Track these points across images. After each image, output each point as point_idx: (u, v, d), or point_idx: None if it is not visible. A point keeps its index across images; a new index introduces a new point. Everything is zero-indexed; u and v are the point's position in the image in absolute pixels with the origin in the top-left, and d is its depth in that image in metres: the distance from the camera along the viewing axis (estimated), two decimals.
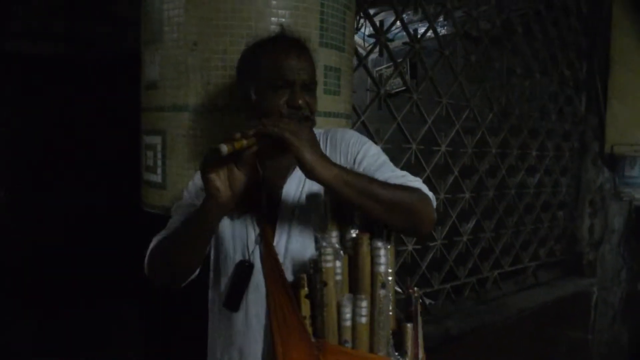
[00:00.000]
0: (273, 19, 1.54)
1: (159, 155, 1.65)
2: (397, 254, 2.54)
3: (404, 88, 3.45)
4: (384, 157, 1.29)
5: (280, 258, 1.25)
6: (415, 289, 1.28)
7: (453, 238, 2.85)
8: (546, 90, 3.41)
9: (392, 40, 2.34)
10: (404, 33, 2.47)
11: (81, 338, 3.29)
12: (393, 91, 2.82)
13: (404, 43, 2.46)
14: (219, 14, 1.53)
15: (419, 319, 1.26)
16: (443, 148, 2.65)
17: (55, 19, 4.05)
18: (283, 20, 1.55)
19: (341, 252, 1.15)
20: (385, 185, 1.14)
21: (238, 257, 1.30)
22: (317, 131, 1.35)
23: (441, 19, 3.10)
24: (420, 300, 1.29)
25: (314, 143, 1.11)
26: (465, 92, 2.77)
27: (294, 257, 1.25)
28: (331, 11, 1.65)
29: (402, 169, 1.28)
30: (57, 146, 4.12)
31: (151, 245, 1.31)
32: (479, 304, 3.05)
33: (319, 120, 1.61)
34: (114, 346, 3.20)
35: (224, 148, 1.02)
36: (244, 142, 1.06)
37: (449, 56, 2.64)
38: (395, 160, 2.26)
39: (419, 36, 2.47)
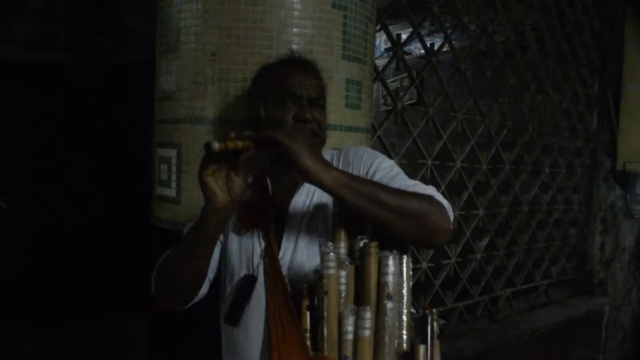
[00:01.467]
0: (295, 29, 1.49)
1: (174, 169, 1.59)
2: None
3: (412, 102, 3.43)
4: (397, 170, 1.24)
5: (285, 270, 1.21)
6: (433, 310, 1.20)
7: (467, 256, 2.78)
8: (559, 106, 3.36)
9: (408, 53, 2.28)
10: (413, 47, 2.42)
11: (82, 350, 3.22)
12: (405, 104, 2.77)
13: (420, 57, 2.42)
14: (239, 23, 1.48)
15: (436, 341, 1.19)
16: (458, 164, 2.60)
17: (59, 28, 4.02)
18: (305, 30, 1.50)
19: (347, 262, 1.08)
20: (391, 190, 1.08)
21: (243, 272, 1.26)
22: (332, 152, 1.32)
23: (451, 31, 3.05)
24: (438, 321, 1.21)
25: (312, 147, 1.07)
26: (480, 107, 2.72)
27: (300, 269, 1.21)
28: (354, 23, 1.60)
29: None
30: (60, 156, 4.07)
31: (158, 262, 1.27)
32: (492, 323, 2.98)
33: (340, 135, 1.57)
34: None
35: (216, 144, 0.96)
36: (239, 143, 1.00)
37: (465, 70, 2.59)
38: (410, 175, 2.20)
39: (433, 49, 2.42)
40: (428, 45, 2.40)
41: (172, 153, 1.60)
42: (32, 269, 3.78)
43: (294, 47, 1.48)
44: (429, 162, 2.44)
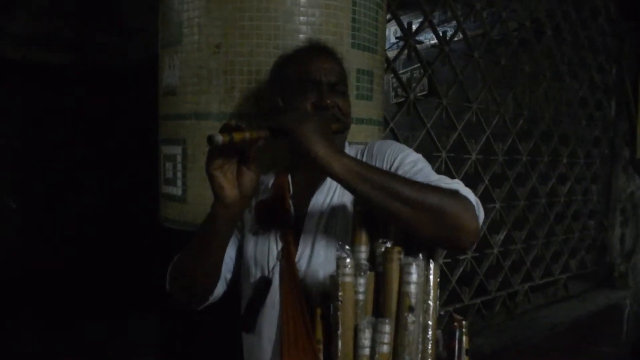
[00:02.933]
0: (302, 18, 1.43)
1: (179, 167, 1.54)
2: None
3: (425, 93, 3.34)
4: (422, 164, 1.15)
5: (301, 274, 1.14)
6: (464, 322, 1.12)
7: (484, 250, 2.71)
8: (576, 94, 3.26)
9: (420, 42, 2.21)
10: (423, 37, 2.35)
11: (91, 350, 3.19)
12: (418, 95, 2.69)
13: (433, 45, 2.34)
14: (244, 13, 1.41)
15: (465, 358, 1.10)
16: (473, 156, 2.52)
17: (64, 27, 3.98)
18: (313, 19, 1.43)
19: (366, 267, 0.99)
20: (409, 182, 0.98)
21: (258, 274, 1.20)
22: (357, 146, 1.25)
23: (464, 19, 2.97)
24: (467, 334, 1.12)
25: (324, 133, 0.98)
26: (495, 96, 2.63)
27: (317, 273, 1.13)
28: (363, 10, 1.53)
29: None
30: (67, 155, 4.05)
31: (173, 260, 1.21)
32: (510, 319, 2.91)
33: (351, 127, 1.50)
34: None
35: (219, 138, 0.88)
36: (246, 134, 0.92)
37: (479, 59, 2.51)
38: None
39: (446, 38, 2.35)
40: (440, 34, 2.32)
41: (177, 150, 1.54)
42: (42, 268, 3.76)
43: (302, 36, 1.41)
44: (444, 154, 2.36)
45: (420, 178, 1.05)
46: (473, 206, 0.99)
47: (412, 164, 1.12)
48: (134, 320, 3.09)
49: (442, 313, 2.48)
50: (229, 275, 1.27)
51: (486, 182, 2.63)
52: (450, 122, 2.42)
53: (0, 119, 3.92)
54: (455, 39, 2.46)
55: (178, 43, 1.52)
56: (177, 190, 1.54)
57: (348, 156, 0.98)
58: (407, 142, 2.20)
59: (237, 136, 0.91)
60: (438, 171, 2.28)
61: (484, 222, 2.62)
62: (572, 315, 3.17)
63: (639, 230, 3.79)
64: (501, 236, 2.78)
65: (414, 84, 2.27)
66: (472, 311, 2.66)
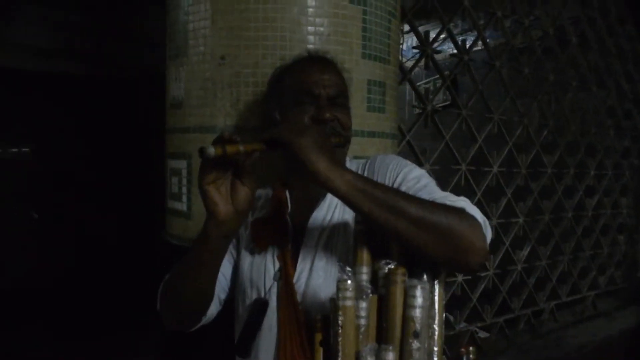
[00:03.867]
0: (310, 28, 1.37)
1: (184, 182, 1.49)
2: (445, 285, 2.31)
3: (447, 103, 3.26)
4: (426, 180, 1.08)
5: (300, 297, 1.08)
6: (470, 348, 1.04)
7: (506, 267, 2.60)
8: (603, 104, 3.14)
9: (438, 52, 2.13)
10: (446, 46, 2.27)
11: None
12: (438, 106, 2.62)
13: (452, 55, 2.26)
14: (250, 24, 1.37)
15: None
16: (495, 169, 2.42)
17: (82, 40, 4.02)
18: (321, 29, 1.38)
19: (369, 290, 0.92)
20: (414, 199, 0.92)
21: (254, 295, 1.14)
22: (359, 161, 1.19)
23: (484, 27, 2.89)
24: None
25: (324, 146, 0.92)
26: (518, 106, 2.54)
27: (316, 295, 1.07)
28: (374, 19, 1.47)
29: (450, 192, 1.06)
30: (85, 166, 4.07)
31: (164, 279, 1.16)
32: (535, 338, 2.78)
33: (361, 141, 1.44)
34: None
35: (211, 150, 0.83)
36: (240, 147, 0.86)
37: (500, 68, 2.42)
38: (443, 182, 2.03)
39: (466, 47, 2.27)
40: (459, 43, 2.25)
41: (182, 164, 1.49)
42: (60, 279, 3.77)
43: (309, 46, 1.36)
44: (464, 167, 2.27)
45: (424, 195, 0.99)
46: (480, 225, 0.93)
47: (416, 179, 1.06)
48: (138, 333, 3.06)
49: (461, 326, 2.38)
50: (223, 295, 1.21)
51: (509, 195, 2.53)
52: (470, 134, 2.33)
53: (21, 130, 3.96)
54: (477, 48, 2.38)
55: (184, 55, 1.48)
56: (182, 206, 1.50)
57: (350, 171, 0.91)
58: (424, 154, 2.13)
59: (230, 149, 0.85)
60: (457, 184, 2.23)
61: (506, 238, 2.54)
62: (600, 335, 3.03)
63: None
64: (525, 252, 2.68)
65: (432, 95, 2.18)
66: (494, 330, 2.56)
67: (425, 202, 0.92)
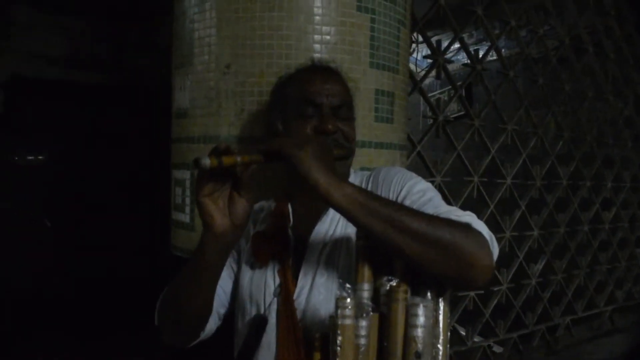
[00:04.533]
0: (316, 36, 1.34)
1: (187, 192, 1.46)
2: (458, 299, 2.26)
3: (461, 113, 3.21)
4: (431, 194, 1.04)
5: (300, 314, 1.04)
6: None
7: (520, 281, 2.54)
8: (620, 114, 3.07)
9: (451, 62, 2.10)
10: (459, 56, 2.23)
11: None
12: (451, 117, 2.58)
13: (464, 64, 2.22)
14: (255, 32, 1.34)
15: None
16: (509, 181, 2.37)
17: (103, 50, 4.06)
18: (328, 37, 1.35)
19: (369, 308, 0.88)
20: (418, 214, 0.88)
21: (254, 311, 1.10)
22: (363, 173, 1.15)
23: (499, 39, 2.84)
24: None
25: (325, 158, 0.89)
26: (532, 117, 2.49)
27: (317, 312, 1.03)
28: (383, 27, 1.44)
29: (462, 204, 1.02)
30: (104, 177, 4.08)
31: (162, 293, 1.12)
32: (550, 354, 2.71)
33: (369, 152, 1.40)
34: None
35: (206, 162, 0.79)
36: (237, 158, 0.83)
37: (514, 78, 2.38)
38: (455, 194, 1.98)
39: (479, 57, 2.23)
40: (472, 53, 2.21)
41: (186, 175, 1.47)
42: (73, 288, 3.76)
43: (316, 55, 1.33)
44: (476, 179, 2.22)
45: (429, 209, 0.95)
46: (487, 241, 0.89)
47: (421, 193, 1.01)
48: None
49: (474, 341, 2.32)
50: (222, 310, 1.18)
51: (523, 208, 2.47)
52: (483, 144, 2.28)
53: (37, 138, 3.99)
54: (491, 58, 2.33)
55: (189, 64, 1.46)
56: (185, 217, 1.47)
57: (351, 185, 0.88)
58: (435, 165, 2.09)
59: (226, 160, 0.82)
60: (470, 196, 2.18)
61: (520, 252, 2.48)
62: (618, 351, 2.94)
63: None
64: (540, 266, 2.61)
65: (444, 104, 2.15)
66: (508, 346, 2.49)
67: (430, 216, 0.88)
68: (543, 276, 2.65)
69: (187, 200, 1.46)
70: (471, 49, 2.23)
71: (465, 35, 2.17)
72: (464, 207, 1.03)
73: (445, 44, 2.17)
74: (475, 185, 2.23)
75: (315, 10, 1.34)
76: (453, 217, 0.90)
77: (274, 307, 1.06)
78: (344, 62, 1.32)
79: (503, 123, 2.36)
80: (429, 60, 2.13)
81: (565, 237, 2.75)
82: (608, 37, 2.92)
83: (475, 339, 2.36)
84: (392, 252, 0.89)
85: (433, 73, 2.14)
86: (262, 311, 1.07)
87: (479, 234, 0.88)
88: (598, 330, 3.08)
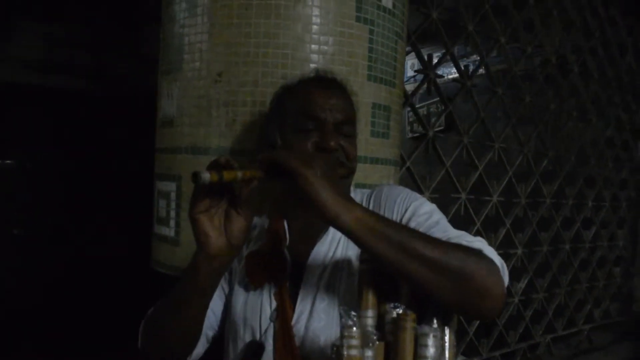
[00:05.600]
0: (314, 46, 1.29)
1: (173, 205, 1.39)
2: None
3: (441, 128, 3.19)
4: (437, 217, 0.99)
5: (299, 341, 0.98)
6: None
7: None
8: (602, 134, 3.10)
9: (441, 76, 2.07)
10: (441, 71, 2.20)
11: None
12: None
13: (454, 80, 2.20)
14: (250, 40, 1.28)
15: None
16: (495, 198, 2.35)
17: (83, 56, 3.95)
18: (325, 47, 1.30)
19: (375, 336, 0.83)
20: (430, 239, 0.84)
21: (248, 337, 1.03)
22: (362, 191, 1.10)
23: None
24: None
25: (333, 177, 0.84)
26: (519, 135, 2.48)
27: (316, 339, 0.97)
28: (381, 40, 1.39)
29: (449, 221, 0.98)
30: (79, 185, 3.95)
31: (147, 314, 1.05)
32: None
33: (364, 168, 1.35)
34: None
35: (206, 175, 0.73)
36: (238, 173, 0.77)
37: (502, 95, 2.37)
38: (442, 211, 1.94)
39: (468, 72, 2.21)
40: (462, 68, 2.19)
41: (171, 187, 1.39)
42: (45, 300, 3.61)
43: (312, 65, 1.27)
44: (463, 196, 2.19)
45: (437, 233, 0.90)
46: (499, 269, 0.85)
47: (427, 215, 0.97)
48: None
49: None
50: (211, 333, 1.10)
51: (508, 226, 2.45)
52: (470, 161, 2.26)
53: (15, 143, 3.84)
54: (478, 72, 2.32)
55: (178, 70, 1.39)
56: (169, 231, 1.39)
57: (361, 207, 0.82)
58: (424, 182, 2.05)
59: (227, 175, 0.76)
60: (457, 213, 2.15)
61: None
62: None
63: None
64: (522, 284, 2.59)
65: (432, 120, 2.11)
66: None
67: (442, 243, 0.84)
68: (525, 294, 2.63)
69: (172, 214, 1.38)
70: (460, 64, 2.21)
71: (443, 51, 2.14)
72: (451, 225, 0.99)
73: (434, 59, 2.14)
74: (463, 202, 2.20)
75: (314, 19, 1.28)
76: (464, 243, 0.85)
77: (271, 332, 0.99)
78: (341, 73, 1.27)
79: (490, 140, 2.34)
80: (410, 74, 2.10)
81: (548, 256, 2.75)
82: (593, 58, 2.95)
83: (459, 359, 2.32)
84: (402, 279, 0.84)
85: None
86: (257, 337, 1.00)
87: (491, 261, 0.84)
88: (577, 349, 3.08)
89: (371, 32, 1.36)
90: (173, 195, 1.38)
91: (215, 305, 1.08)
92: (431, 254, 0.80)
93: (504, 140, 2.41)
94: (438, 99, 2.19)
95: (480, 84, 2.40)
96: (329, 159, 0.95)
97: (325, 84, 1.05)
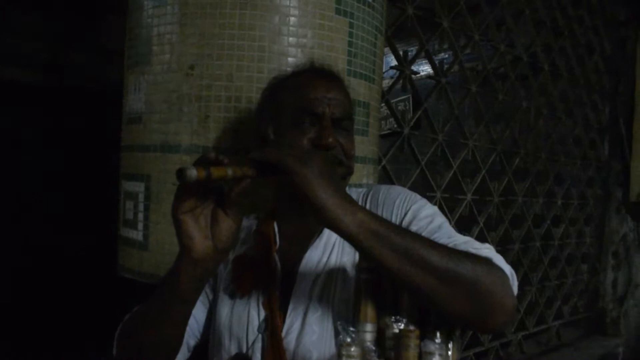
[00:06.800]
0: (291, 39, 1.23)
1: (141, 207, 1.30)
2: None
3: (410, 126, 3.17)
4: (440, 220, 0.94)
5: (289, 355, 0.91)
6: None
7: None
8: (571, 133, 3.13)
9: (416, 73, 2.04)
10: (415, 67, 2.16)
11: None
12: (386, 130, 2.51)
13: (429, 77, 2.17)
14: (224, 31, 1.21)
15: None
16: (469, 197, 2.33)
17: (40, 48, 3.78)
18: (304, 40, 1.24)
19: (374, 353, 0.78)
20: (437, 246, 0.78)
21: (234, 349, 0.96)
22: (358, 190, 1.04)
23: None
24: None
25: (332, 177, 0.78)
26: (492, 133, 2.47)
27: (309, 354, 0.91)
28: (361, 34, 1.34)
29: None
30: (35, 180, 3.78)
31: (123, 321, 0.97)
32: None
33: None
34: None
35: (192, 173, 0.67)
36: (228, 170, 0.71)
37: (475, 93, 2.35)
38: None
39: (443, 69, 2.18)
40: (437, 65, 2.16)
41: (139, 187, 1.31)
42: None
43: (290, 59, 1.21)
44: (438, 194, 2.17)
45: (442, 238, 0.85)
46: (509, 279, 0.80)
47: (429, 219, 0.92)
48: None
49: None
50: (192, 342, 1.03)
51: (481, 224, 2.44)
52: (445, 160, 2.23)
53: None
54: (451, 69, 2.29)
55: (146, 63, 1.31)
56: (137, 235, 1.31)
57: (363, 209, 0.76)
58: (399, 180, 2.01)
59: (216, 172, 0.69)
60: None
61: None
62: None
63: (631, 274, 3.65)
64: None
65: (409, 116, 2.08)
66: None
67: (449, 249, 0.78)
68: None
69: (140, 216, 1.30)
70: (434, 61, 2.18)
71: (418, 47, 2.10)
72: None
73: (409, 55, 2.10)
74: (438, 201, 2.17)
75: (292, 10, 1.22)
76: (472, 250, 0.80)
77: (259, 345, 0.92)
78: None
79: (464, 138, 2.32)
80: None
81: (520, 254, 2.75)
82: (562, 57, 2.97)
83: None
84: (407, 289, 0.78)
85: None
86: (244, 349, 0.93)
87: (502, 271, 0.79)
88: (546, 346, 3.10)
89: (351, 25, 1.31)
90: (141, 196, 1.30)
91: (198, 312, 1.01)
92: (439, 262, 0.75)
93: (477, 139, 2.40)
94: (406, 96, 2.16)
95: (452, 81, 2.38)
96: (327, 157, 0.88)
97: (322, 76, 0.98)
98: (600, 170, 3.48)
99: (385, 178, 1.98)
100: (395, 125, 2.07)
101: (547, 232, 2.99)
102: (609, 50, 3.43)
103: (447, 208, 2.22)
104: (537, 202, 2.85)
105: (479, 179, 2.40)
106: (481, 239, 2.45)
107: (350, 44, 1.31)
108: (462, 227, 2.37)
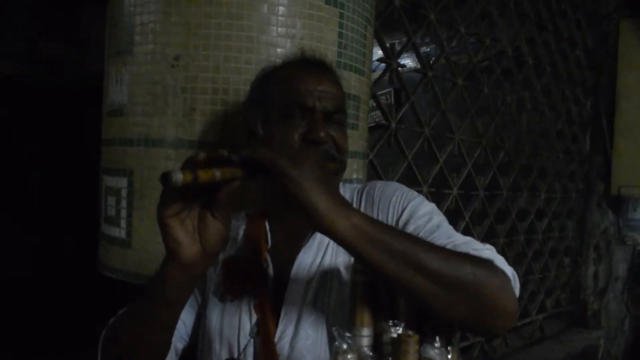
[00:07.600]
0: (280, 29, 1.19)
1: (124, 203, 1.26)
2: None
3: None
4: (438, 219, 0.92)
5: None
6: None
7: None
8: (554, 127, 3.14)
9: (403, 66, 2.01)
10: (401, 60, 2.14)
11: None
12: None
13: (416, 70, 2.14)
14: (211, 20, 1.17)
15: None
16: (455, 191, 2.32)
17: (15, 38, 3.68)
18: (293, 31, 1.20)
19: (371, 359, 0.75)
20: (436, 249, 0.76)
21: (224, 355, 0.93)
22: (351, 186, 1.01)
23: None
24: None
25: (324, 178, 0.74)
26: (477, 127, 2.46)
27: (302, 359, 0.88)
28: (351, 24, 1.31)
29: None
30: (13, 174, 3.68)
31: (108, 324, 0.93)
32: None
33: None
34: None
35: (178, 177, 0.62)
36: (216, 173, 0.67)
37: (462, 87, 2.33)
38: None
39: (430, 62, 2.16)
40: (425, 58, 2.13)
41: (121, 183, 1.26)
42: None
43: (279, 50, 1.17)
44: (425, 189, 2.15)
45: (440, 238, 0.82)
46: (510, 282, 0.78)
47: (427, 217, 0.89)
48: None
49: None
50: (180, 345, 0.99)
51: (467, 219, 2.43)
52: (432, 154, 2.21)
53: None
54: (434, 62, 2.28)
55: (128, 53, 1.26)
56: (120, 232, 1.26)
57: (358, 212, 0.73)
58: (386, 174, 1.99)
59: (203, 176, 0.65)
60: None
61: None
62: (551, 358, 3.01)
63: (611, 268, 3.70)
64: None
65: (395, 110, 2.05)
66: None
67: (448, 252, 0.75)
68: None
69: (123, 213, 1.25)
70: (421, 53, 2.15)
71: (404, 40, 2.08)
72: None
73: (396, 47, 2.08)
74: (425, 196, 2.15)
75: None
76: (472, 252, 0.77)
77: (250, 350, 0.89)
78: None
79: (450, 132, 2.31)
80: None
81: (505, 248, 2.76)
82: (545, 51, 2.98)
83: None
84: (405, 294, 0.75)
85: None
86: (235, 354, 0.89)
87: (504, 274, 0.76)
88: (530, 338, 3.13)
89: (341, 15, 1.27)
90: (124, 192, 1.25)
91: (186, 315, 0.97)
92: (438, 266, 0.72)
93: (463, 133, 2.38)
94: (389, 89, 2.14)
95: (437, 74, 2.36)
96: (319, 155, 0.85)
97: (313, 66, 0.94)
98: (582, 164, 3.50)
99: (373, 172, 1.95)
100: (381, 119, 2.05)
101: (531, 226, 3.00)
102: (591, 44, 3.45)
103: (434, 202, 2.20)
104: (521, 196, 2.86)
105: (465, 173, 2.39)
106: (467, 233, 2.45)
107: (340, 35, 1.28)
108: (449, 221, 2.35)
